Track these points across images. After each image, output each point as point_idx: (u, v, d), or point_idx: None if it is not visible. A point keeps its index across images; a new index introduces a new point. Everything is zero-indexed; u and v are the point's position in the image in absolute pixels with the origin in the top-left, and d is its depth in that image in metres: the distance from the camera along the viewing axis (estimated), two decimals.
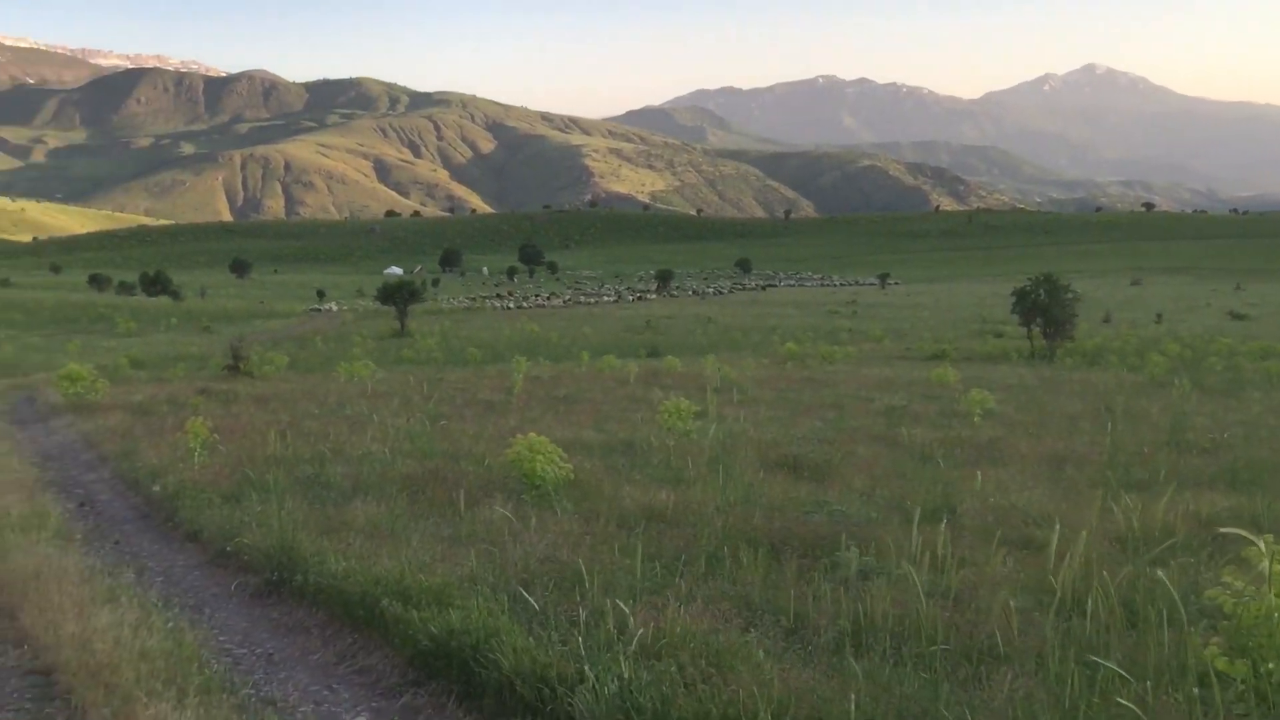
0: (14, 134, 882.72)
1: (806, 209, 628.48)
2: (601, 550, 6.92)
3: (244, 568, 7.44)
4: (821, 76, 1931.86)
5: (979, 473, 10.40)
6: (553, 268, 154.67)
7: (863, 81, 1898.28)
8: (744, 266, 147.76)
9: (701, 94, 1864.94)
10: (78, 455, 13.59)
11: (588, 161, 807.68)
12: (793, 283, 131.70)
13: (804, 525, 7.86)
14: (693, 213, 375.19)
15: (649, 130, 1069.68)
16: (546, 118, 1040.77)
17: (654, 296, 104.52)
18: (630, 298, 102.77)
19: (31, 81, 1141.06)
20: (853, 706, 4.30)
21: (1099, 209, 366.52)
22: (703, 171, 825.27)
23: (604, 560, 6.58)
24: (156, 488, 10.28)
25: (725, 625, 5.45)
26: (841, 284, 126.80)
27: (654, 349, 40.60)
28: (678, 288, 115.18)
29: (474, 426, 14.93)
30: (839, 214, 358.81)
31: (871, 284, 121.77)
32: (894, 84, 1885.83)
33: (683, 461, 11.13)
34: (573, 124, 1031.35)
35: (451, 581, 6.08)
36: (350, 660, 5.73)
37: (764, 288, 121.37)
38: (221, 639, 6.13)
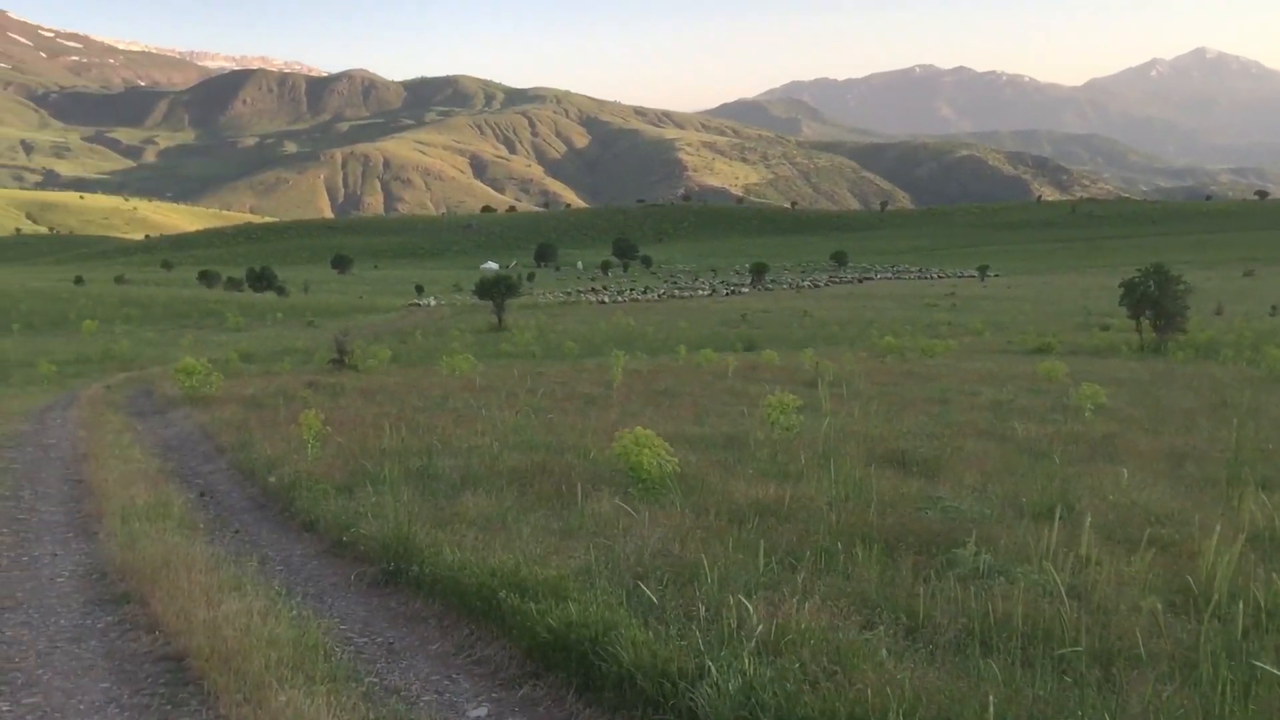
0: (127, 135, 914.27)
1: (903, 201, 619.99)
2: (714, 544, 6.88)
3: (360, 558, 7.57)
4: (918, 66, 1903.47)
5: (1098, 469, 10.11)
6: (647, 262, 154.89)
7: (960, 70, 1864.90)
8: (839, 259, 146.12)
9: (795, 86, 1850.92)
10: (196, 446, 13.99)
11: (681, 155, 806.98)
12: (890, 275, 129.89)
13: (917, 521, 7.72)
14: (787, 205, 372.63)
15: (742, 123, 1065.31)
16: (640, 112, 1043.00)
17: (748, 290, 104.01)
18: (725, 292, 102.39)
19: (143, 84, 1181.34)
20: (990, 709, 4.19)
21: (1209, 198, 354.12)
22: (797, 164, 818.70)
23: (717, 554, 6.54)
24: (272, 479, 10.53)
25: (844, 622, 5.37)
26: (940, 276, 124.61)
27: (750, 343, 40.40)
28: (772, 281, 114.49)
29: (576, 420, 14.99)
30: (936, 205, 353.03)
31: (971, 276, 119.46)
32: (993, 72, 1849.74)
33: (789, 456, 11.02)
34: (666, 118, 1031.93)
35: (566, 574, 6.10)
36: (469, 651, 5.78)
37: (860, 281, 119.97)
38: (343, 628, 6.24)
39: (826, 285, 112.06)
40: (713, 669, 4.65)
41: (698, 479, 9.56)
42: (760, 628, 5.07)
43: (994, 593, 5.74)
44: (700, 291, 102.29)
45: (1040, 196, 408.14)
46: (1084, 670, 4.80)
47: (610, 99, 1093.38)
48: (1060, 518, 7.04)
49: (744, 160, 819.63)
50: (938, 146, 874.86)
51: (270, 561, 7.85)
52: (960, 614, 5.55)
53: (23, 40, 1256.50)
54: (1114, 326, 45.05)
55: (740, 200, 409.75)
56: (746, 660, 4.71)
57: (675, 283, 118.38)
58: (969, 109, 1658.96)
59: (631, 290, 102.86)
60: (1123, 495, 9.12)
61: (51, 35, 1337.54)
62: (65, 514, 9.66)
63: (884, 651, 4.96)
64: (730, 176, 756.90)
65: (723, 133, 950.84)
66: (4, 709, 4.96)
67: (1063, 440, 12.89)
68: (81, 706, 5.04)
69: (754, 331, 48.38)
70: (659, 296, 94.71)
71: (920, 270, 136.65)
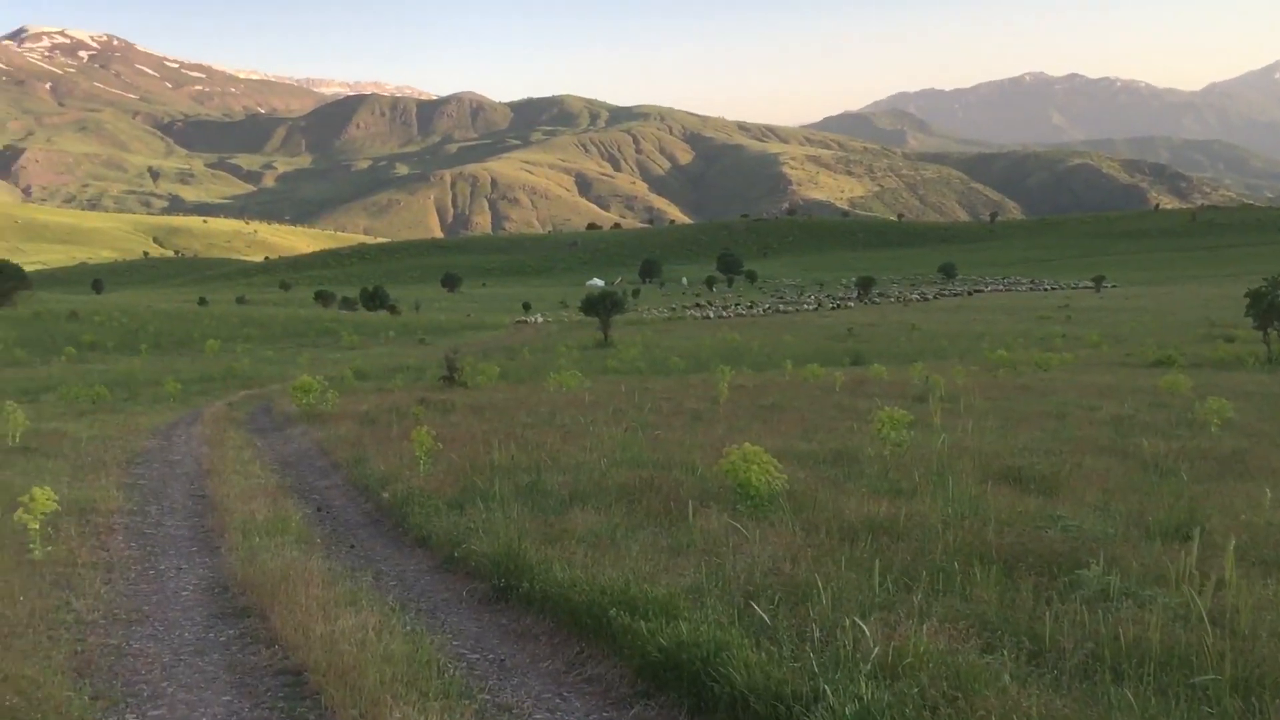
0: (247, 161, 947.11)
1: (1013, 211, 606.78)
2: (826, 563, 6.76)
3: (472, 573, 7.64)
4: (1028, 74, 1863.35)
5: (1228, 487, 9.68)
6: (751, 276, 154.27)
7: (1073, 77, 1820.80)
8: (948, 272, 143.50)
9: (901, 97, 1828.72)
10: (313, 462, 14.33)
11: (785, 169, 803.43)
12: (1001, 287, 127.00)
13: (1037, 541, 7.47)
14: (893, 218, 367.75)
15: (847, 136, 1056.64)
16: (743, 127, 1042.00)
17: (854, 304, 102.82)
18: (830, 305, 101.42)
19: (262, 111, 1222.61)
20: None
21: None
22: (903, 176, 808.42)
23: (830, 573, 6.42)
24: (386, 494, 10.71)
25: (964, 645, 5.21)
26: (1053, 288, 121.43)
27: (857, 357, 39.88)
28: (879, 295, 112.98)
29: (683, 435, 14.94)
30: (1048, 215, 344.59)
31: (1086, 287, 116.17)
32: (1106, 78, 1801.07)
33: (900, 472, 10.81)
34: (769, 132, 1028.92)
35: (677, 592, 6.05)
36: (579, 669, 5.77)
37: (970, 293, 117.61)
38: (455, 644, 6.29)
39: (935, 298, 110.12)
40: (828, 693, 4.55)
41: (807, 496, 9.43)
42: (876, 650, 4.95)
43: (1123, 616, 5.51)
44: (805, 306, 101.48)
45: (1158, 205, 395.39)
46: (1225, 700, 4.57)
47: (714, 115, 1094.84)
48: (1190, 538, 6.75)
49: (849, 173, 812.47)
50: (1049, 155, 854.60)
51: (384, 577, 7.97)
52: (1087, 638, 5.34)
53: (150, 72, 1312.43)
54: (1239, 338, 43.26)
55: (845, 214, 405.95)
56: (863, 684, 4.60)
57: (780, 297, 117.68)
58: (1082, 117, 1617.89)
59: (736, 305, 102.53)
60: (1257, 514, 8.70)
61: (176, 66, 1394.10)
62: (190, 528, 9.97)
63: (1007, 677, 4.79)
64: (835, 190, 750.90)
65: (827, 146, 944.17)
66: None
67: (1189, 457, 12.38)
68: None
69: (861, 346, 47.73)
70: (764, 311, 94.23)
71: (1032, 282, 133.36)
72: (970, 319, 71.70)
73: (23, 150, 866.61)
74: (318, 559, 7.97)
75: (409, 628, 6.18)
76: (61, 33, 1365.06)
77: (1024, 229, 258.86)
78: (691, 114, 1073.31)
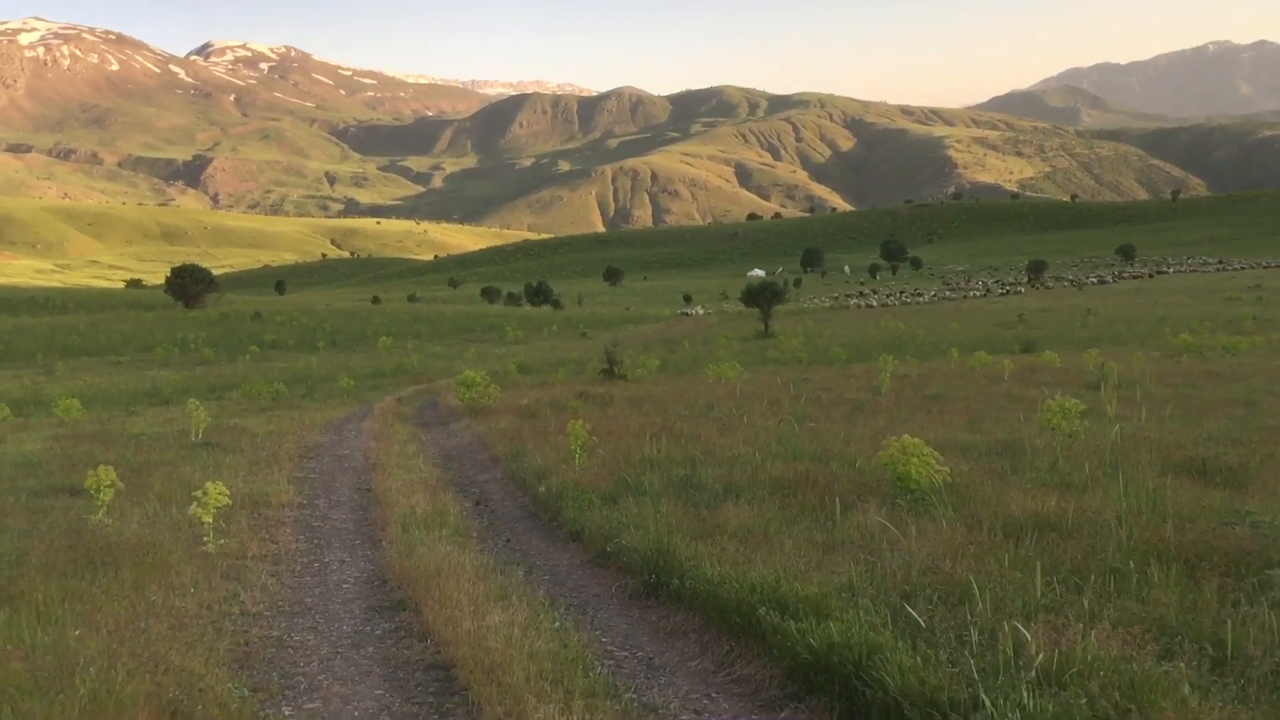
0: (417, 163, 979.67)
1: (1197, 188, 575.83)
2: (988, 561, 6.43)
3: (623, 569, 7.59)
4: (1211, 43, 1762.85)
5: None
6: (916, 263, 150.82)
7: (1261, 44, 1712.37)
8: (1126, 253, 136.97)
9: (1073, 73, 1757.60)
10: (474, 456, 14.59)
11: (950, 153, 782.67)
12: (1184, 269, 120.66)
13: (1222, 538, 6.95)
14: (1066, 199, 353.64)
15: (1016, 115, 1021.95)
16: (906, 111, 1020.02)
17: (1025, 289, 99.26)
18: (1000, 291, 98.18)
19: (430, 114, 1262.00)
20: None
21: None
22: (1076, 155, 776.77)
23: (991, 573, 6.10)
24: (542, 488, 10.79)
25: (1138, 652, 4.85)
26: (1243, 267, 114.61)
27: (1028, 344, 38.41)
28: (1052, 279, 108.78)
29: (842, 427, 14.61)
30: (1236, 191, 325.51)
31: (1279, 266, 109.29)
32: None
33: (1071, 465, 10.27)
34: (934, 115, 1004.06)
35: (829, 591, 5.85)
36: (728, 669, 5.64)
37: (1151, 275, 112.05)
38: (604, 640, 6.24)
39: (1113, 281, 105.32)
40: (987, 701, 4.30)
41: (969, 489, 9.03)
42: (1040, 656, 4.66)
43: None
44: (973, 292, 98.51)
45: None
46: None
47: (875, 99, 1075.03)
48: None
49: (1018, 154, 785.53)
50: (1236, 128, 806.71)
51: (537, 571, 8.01)
52: (1277, 646, 4.91)
53: (325, 80, 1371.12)
54: None
55: (1015, 196, 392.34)
56: (1025, 692, 4.33)
57: (946, 284, 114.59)
58: (1273, 85, 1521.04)
59: (901, 293, 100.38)
60: None
61: (350, 74, 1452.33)
62: (354, 521, 10.27)
63: (1186, 687, 4.44)
64: (1003, 172, 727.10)
65: (994, 126, 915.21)
66: (287, 713, 5.23)
67: None
68: (356, 714, 5.25)
69: (1032, 332, 45.96)
70: (930, 298, 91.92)
71: (1220, 262, 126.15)
72: (1151, 302, 68.28)
73: (210, 159, 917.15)
74: (472, 553, 8.06)
75: (557, 624, 6.18)
76: (243, 46, 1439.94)
77: (1209, 206, 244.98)
78: (852, 99, 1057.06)
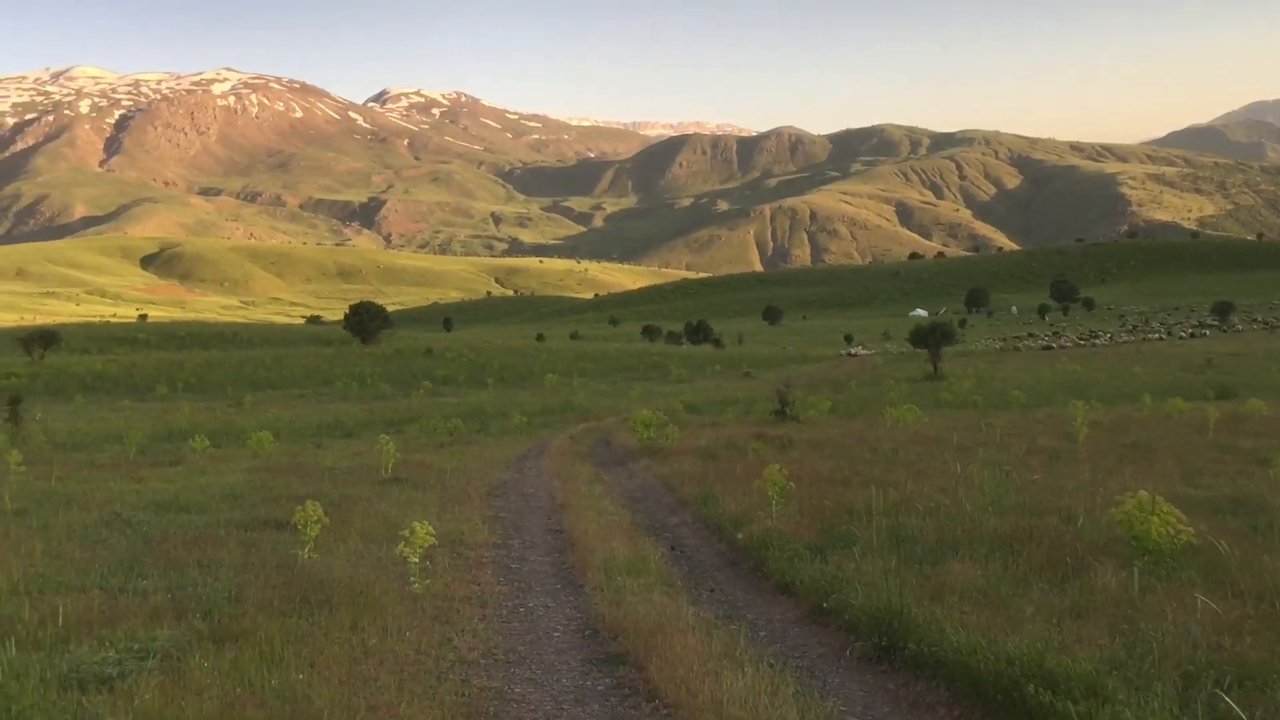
0: (579, 203, 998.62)
1: None
2: (1267, 638, 5.78)
3: (845, 628, 7.16)
4: None
5: None
6: (1088, 304, 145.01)
7: None
8: None
9: (1259, 106, 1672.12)
10: (659, 498, 14.36)
11: (1124, 190, 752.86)
12: None
13: None
14: (1251, 238, 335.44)
15: (1194, 151, 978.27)
16: (1076, 147, 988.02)
17: (1210, 332, 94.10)
18: (1183, 334, 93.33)
19: (593, 155, 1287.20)
20: None
21: None
22: (1261, 192, 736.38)
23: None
24: (740, 535, 10.45)
25: None
26: None
27: (1223, 390, 36.18)
28: (1240, 321, 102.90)
29: (1043, 476, 13.84)
30: None
31: None
32: None
33: None
34: (1106, 151, 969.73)
35: (1102, 668, 5.31)
36: None
37: None
38: (843, 709, 5.84)
39: None
40: None
41: (1212, 552, 8.29)
42: None
43: None
44: (1152, 334, 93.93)
45: None
46: None
47: (1043, 135, 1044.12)
48: None
49: (1197, 191, 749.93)
50: None
51: (753, 627, 7.64)
52: None
53: (492, 124, 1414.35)
54: None
55: (1195, 235, 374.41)
56: None
57: (1122, 325, 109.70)
58: None
59: (1075, 335, 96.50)
60: None
61: (516, 118, 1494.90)
62: (551, 564, 10.11)
63: None
64: (1181, 209, 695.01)
65: (1171, 163, 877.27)
66: None
67: None
68: None
69: (1224, 378, 43.30)
70: (1106, 341, 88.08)
71: None
72: None
73: (384, 201, 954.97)
74: (685, 605, 7.78)
75: (794, 690, 5.79)
76: (417, 92, 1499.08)
77: None
78: (1019, 136, 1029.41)
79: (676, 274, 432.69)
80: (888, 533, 9.71)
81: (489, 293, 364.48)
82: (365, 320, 78.98)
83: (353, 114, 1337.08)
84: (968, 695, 5.62)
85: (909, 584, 7.51)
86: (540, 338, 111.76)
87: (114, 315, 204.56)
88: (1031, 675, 5.25)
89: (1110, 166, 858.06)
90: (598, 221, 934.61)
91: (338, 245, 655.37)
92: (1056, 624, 6.32)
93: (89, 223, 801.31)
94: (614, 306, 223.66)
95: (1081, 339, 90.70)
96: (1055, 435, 20.40)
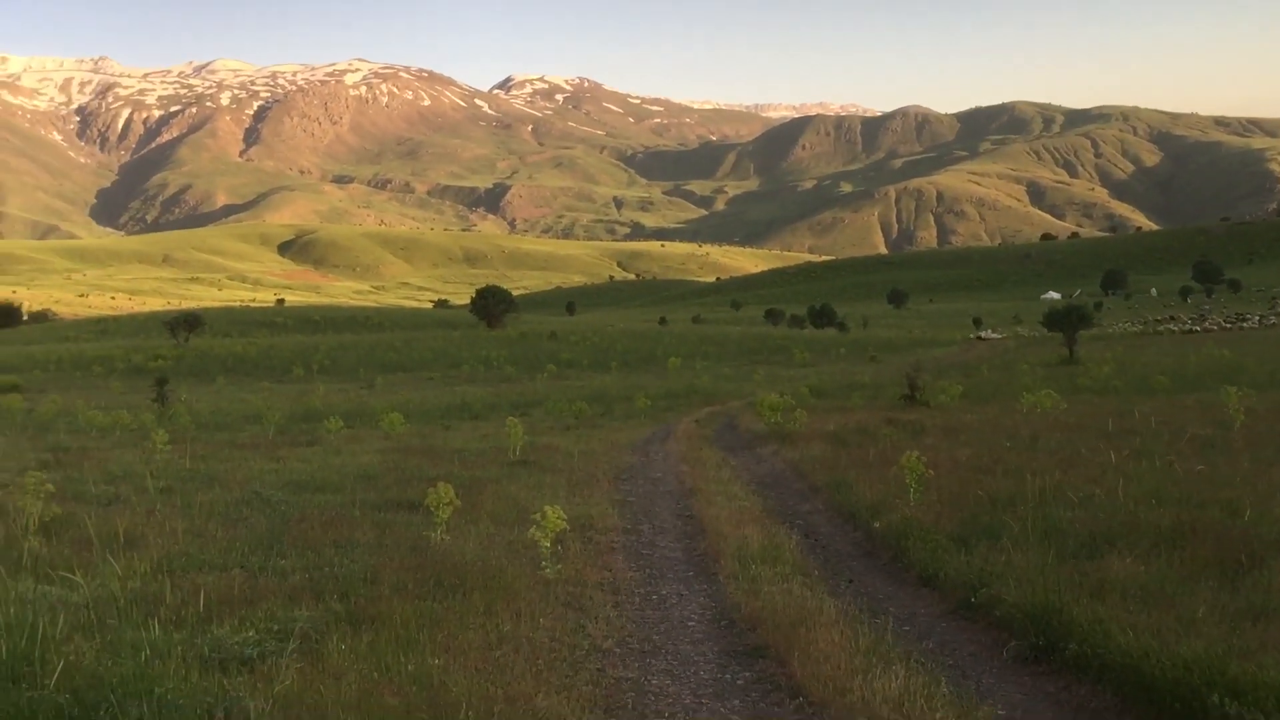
0: (700, 186, 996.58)
1: None
2: None
3: (996, 624, 6.79)
4: None
5: None
6: (1234, 286, 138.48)
7: None
8: None
9: None
10: (790, 484, 14.05)
11: (1272, 166, 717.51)
12: None
13: None
14: None
15: None
16: (1221, 122, 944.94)
17: None
18: None
19: (714, 139, 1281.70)
20: None
21: None
22: None
23: None
24: (877, 524, 10.10)
25: None
26: None
27: None
28: None
29: (1198, 465, 13.09)
30: None
31: None
32: None
33: None
34: (1253, 126, 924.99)
35: None
36: None
37: None
38: (1002, 714, 5.49)
39: None
40: None
41: None
42: None
43: None
44: None
45: None
46: None
47: (1185, 110, 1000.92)
48: None
49: None
50: None
51: (897, 621, 7.31)
52: None
53: (615, 109, 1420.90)
54: None
55: None
56: None
57: (1272, 308, 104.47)
58: None
59: (1220, 318, 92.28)
60: None
61: (638, 102, 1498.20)
62: (682, 551, 9.92)
63: None
64: None
65: None
66: None
67: None
68: None
69: None
70: (1256, 324, 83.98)
71: None
72: None
73: (509, 187, 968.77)
74: (825, 597, 7.49)
75: (950, 692, 5.46)
76: (541, 79, 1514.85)
77: None
78: (1159, 111, 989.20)
79: (799, 257, 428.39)
80: (1037, 524, 9.24)
81: (611, 277, 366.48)
82: (491, 304, 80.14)
83: (478, 101, 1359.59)
84: (1139, 702, 5.22)
85: (1065, 579, 7.07)
86: (662, 321, 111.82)
87: (253, 300, 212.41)
88: (1214, 683, 4.84)
89: (1257, 142, 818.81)
90: (719, 205, 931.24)
91: (464, 231, 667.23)
92: (1234, 627, 5.85)
93: (229, 211, 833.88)
94: (735, 290, 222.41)
95: (1228, 321, 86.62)
96: (1206, 423, 19.35)
